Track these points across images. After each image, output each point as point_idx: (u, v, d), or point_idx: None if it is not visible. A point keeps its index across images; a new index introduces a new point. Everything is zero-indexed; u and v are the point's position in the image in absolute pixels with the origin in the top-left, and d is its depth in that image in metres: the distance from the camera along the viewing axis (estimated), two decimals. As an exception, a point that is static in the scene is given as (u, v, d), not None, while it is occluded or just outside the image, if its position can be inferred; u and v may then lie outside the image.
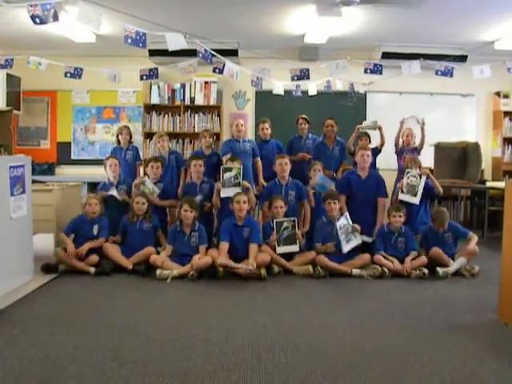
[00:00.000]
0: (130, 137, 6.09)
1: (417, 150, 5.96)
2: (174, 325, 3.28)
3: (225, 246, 4.56)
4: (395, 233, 4.82)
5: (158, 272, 4.38)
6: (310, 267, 4.61)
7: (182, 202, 4.74)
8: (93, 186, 6.25)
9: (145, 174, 5.53)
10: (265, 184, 5.62)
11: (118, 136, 6.02)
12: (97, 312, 3.54)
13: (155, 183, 5.27)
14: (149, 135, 7.33)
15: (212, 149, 5.87)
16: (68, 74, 5.48)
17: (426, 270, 4.56)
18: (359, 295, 4.04)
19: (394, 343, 3.00)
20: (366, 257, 4.67)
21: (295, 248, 4.74)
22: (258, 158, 5.83)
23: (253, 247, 4.57)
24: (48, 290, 4.08)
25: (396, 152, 6.07)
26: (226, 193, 4.94)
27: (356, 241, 4.75)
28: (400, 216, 4.80)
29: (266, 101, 7.45)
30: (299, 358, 2.76)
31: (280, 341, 3.00)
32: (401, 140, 6.01)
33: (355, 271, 4.55)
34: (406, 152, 5.91)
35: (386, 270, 4.54)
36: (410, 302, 3.83)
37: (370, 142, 5.97)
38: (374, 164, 5.84)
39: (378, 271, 4.55)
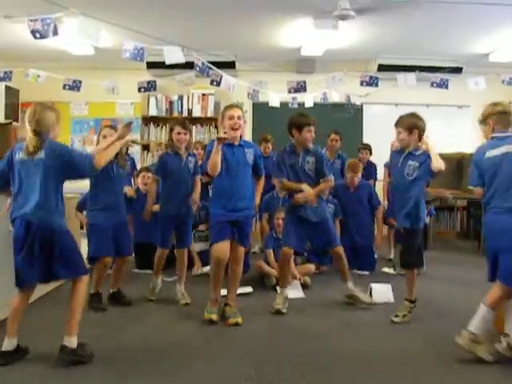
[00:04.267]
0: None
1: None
2: (173, 335, 3.29)
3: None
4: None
5: None
6: (308, 279, 4.62)
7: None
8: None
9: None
10: None
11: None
12: (94, 321, 3.53)
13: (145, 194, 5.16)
14: (147, 147, 7.35)
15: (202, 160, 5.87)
16: (67, 87, 5.52)
17: None
18: (354, 305, 4.03)
19: (393, 353, 3.01)
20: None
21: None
22: None
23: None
24: (47, 300, 4.07)
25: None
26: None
27: None
28: None
29: (263, 113, 7.47)
30: (298, 369, 2.76)
31: (279, 352, 3.01)
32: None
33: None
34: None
35: None
36: (413, 311, 3.83)
37: (370, 154, 6.00)
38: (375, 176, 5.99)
39: None
